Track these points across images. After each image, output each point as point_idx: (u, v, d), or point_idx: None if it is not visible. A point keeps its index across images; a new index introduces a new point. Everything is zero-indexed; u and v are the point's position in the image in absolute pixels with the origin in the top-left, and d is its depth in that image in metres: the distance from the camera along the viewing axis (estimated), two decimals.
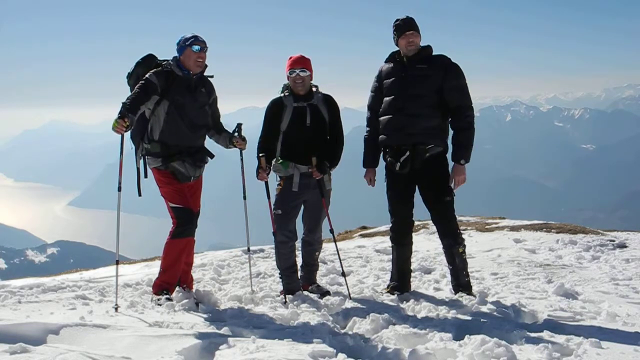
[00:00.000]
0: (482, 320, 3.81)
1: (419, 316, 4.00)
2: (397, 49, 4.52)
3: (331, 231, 4.88)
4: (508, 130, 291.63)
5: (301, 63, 4.51)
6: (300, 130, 4.55)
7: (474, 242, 7.66)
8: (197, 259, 6.09)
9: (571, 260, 6.19)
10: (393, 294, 4.63)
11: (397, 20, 4.48)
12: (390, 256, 4.92)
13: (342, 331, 3.64)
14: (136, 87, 4.23)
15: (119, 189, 4.15)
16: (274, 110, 4.62)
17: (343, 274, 4.90)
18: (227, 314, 4.04)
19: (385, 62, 4.61)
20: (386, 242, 7.47)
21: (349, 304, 4.41)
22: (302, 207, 4.72)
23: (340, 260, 5.06)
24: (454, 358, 3.03)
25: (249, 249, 4.94)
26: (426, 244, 7.36)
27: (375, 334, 3.56)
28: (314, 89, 4.63)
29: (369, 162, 4.72)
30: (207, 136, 4.63)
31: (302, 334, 3.36)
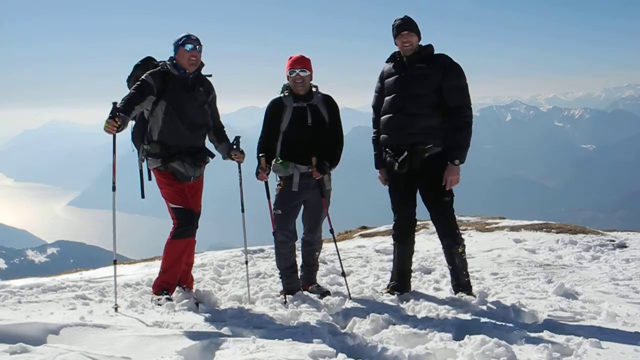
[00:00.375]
0: (482, 320, 3.82)
1: (419, 316, 4.00)
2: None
3: (331, 231, 4.88)
4: (508, 130, 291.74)
5: (301, 63, 4.51)
6: (300, 130, 4.55)
7: (474, 242, 7.66)
8: (197, 259, 6.09)
9: (571, 260, 6.19)
10: (393, 294, 4.63)
11: (395, 20, 4.49)
12: (391, 256, 4.92)
13: (342, 331, 3.63)
14: (132, 88, 4.23)
15: (113, 189, 4.15)
16: (274, 110, 4.62)
17: (343, 274, 4.90)
18: (227, 314, 4.04)
19: (387, 62, 4.61)
20: (386, 242, 7.48)
21: (349, 304, 4.41)
22: (302, 207, 4.72)
23: (340, 260, 5.05)
24: (454, 358, 3.03)
25: (247, 261, 4.94)
26: (426, 244, 7.36)
27: (375, 334, 3.57)
28: (313, 89, 4.63)
29: (379, 163, 4.72)
30: (207, 138, 4.63)
31: (302, 334, 3.36)
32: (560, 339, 3.26)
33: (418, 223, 4.79)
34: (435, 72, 4.34)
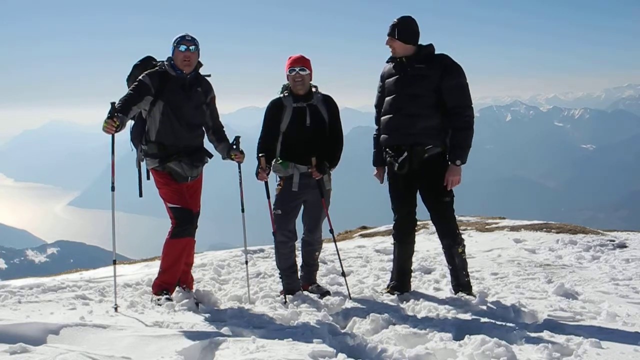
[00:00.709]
0: (482, 320, 3.82)
1: (419, 316, 4.00)
2: None
3: (331, 231, 4.88)
4: (508, 130, 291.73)
5: (301, 62, 4.51)
6: (300, 130, 4.55)
7: (474, 242, 7.65)
8: (197, 259, 6.09)
9: (571, 260, 6.19)
10: (393, 294, 4.63)
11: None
12: (391, 256, 4.92)
13: (342, 331, 3.63)
14: (129, 88, 4.24)
15: (112, 189, 4.16)
16: (274, 110, 4.62)
17: (343, 274, 4.90)
18: (227, 314, 4.04)
19: (387, 62, 4.61)
20: (386, 242, 7.48)
21: (349, 304, 4.41)
22: (302, 207, 4.72)
23: (340, 260, 5.06)
24: (454, 358, 3.03)
25: (247, 261, 4.94)
26: (426, 244, 7.36)
27: (375, 334, 3.57)
28: (313, 89, 4.64)
29: (378, 161, 4.73)
30: (207, 138, 4.63)
31: (302, 334, 3.36)
32: (560, 339, 3.26)
33: (418, 223, 4.79)
34: (434, 72, 4.32)
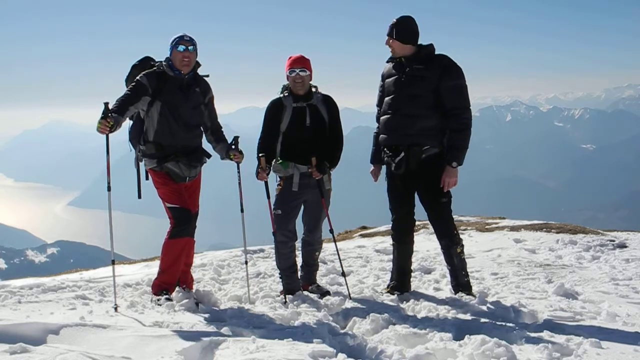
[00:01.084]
0: (482, 320, 3.82)
1: (419, 316, 4.00)
2: None
3: (331, 231, 4.88)
4: (508, 130, 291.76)
5: (301, 63, 4.51)
6: (300, 130, 4.55)
7: (474, 242, 7.65)
8: (197, 259, 6.09)
9: (571, 260, 6.19)
10: (393, 294, 4.63)
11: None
12: (391, 256, 4.92)
13: (342, 331, 3.63)
14: (127, 88, 4.24)
15: (109, 189, 4.16)
16: (274, 110, 4.62)
17: (343, 274, 4.90)
18: (227, 314, 4.04)
19: (387, 62, 4.61)
20: (386, 242, 7.48)
21: (349, 304, 4.41)
22: (302, 207, 4.72)
23: (340, 260, 5.06)
24: (454, 358, 3.03)
25: (246, 261, 4.94)
26: (426, 244, 7.36)
27: (375, 334, 3.57)
28: (313, 89, 4.64)
29: (375, 159, 4.73)
30: (205, 139, 4.63)
31: (302, 334, 3.36)
32: (560, 339, 3.26)
33: (418, 223, 4.80)
34: (433, 73, 4.31)
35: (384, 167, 4.68)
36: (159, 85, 4.27)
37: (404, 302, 4.42)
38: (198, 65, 4.44)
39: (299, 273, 4.84)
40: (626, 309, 4.07)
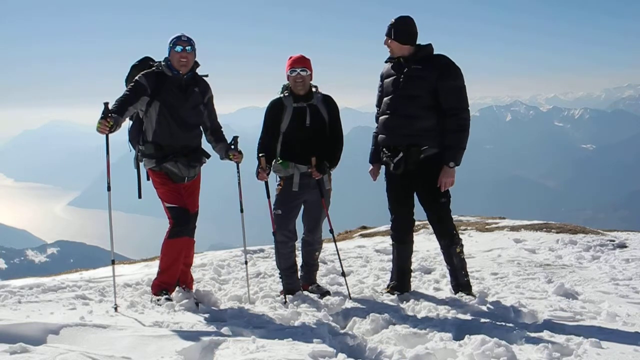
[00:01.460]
0: (482, 320, 3.82)
1: (419, 316, 4.00)
2: None
3: (331, 231, 4.88)
4: (508, 130, 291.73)
5: (302, 62, 4.51)
6: (300, 130, 4.55)
7: (474, 242, 7.66)
8: (197, 259, 6.09)
9: (571, 260, 6.19)
10: (393, 294, 4.63)
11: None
12: (390, 256, 4.92)
13: (342, 331, 3.63)
14: (126, 89, 4.24)
15: (108, 189, 4.16)
16: (274, 110, 4.62)
17: (343, 274, 4.90)
18: (227, 314, 4.04)
19: (386, 62, 4.61)
20: (386, 242, 7.48)
21: (349, 304, 4.41)
22: (302, 207, 4.72)
23: (340, 260, 5.06)
24: (454, 358, 3.03)
25: (246, 261, 4.94)
26: (426, 244, 7.36)
27: (375, 334, 3.57)
28: (313, 89, 4.63)
29: (373, 158, 4.73)
30: (205, 138, 4.62)
31: (302, 334, 3.36)
32: (560, 339, 3.26)
33: (418, 223, 4.80)
34: (431, 73, 4.31)
35: (383, 167, 4.68)
36: (158, 85, 4.27)
37: (404, 302, 4.42)
38: (197, 65, 4.44)
39: (299, 273, 4.84)
40: (626, 309, 4.07)
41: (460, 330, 3.49)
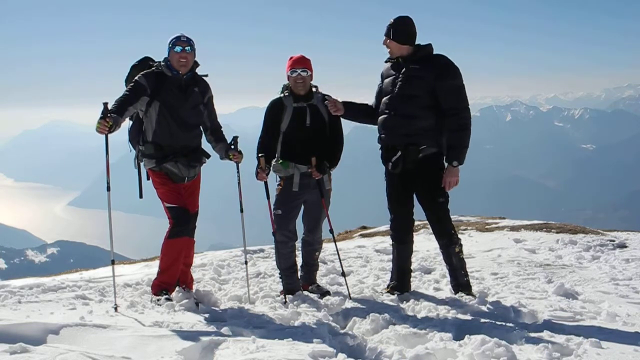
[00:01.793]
0: (482, 320, 3.82)
1: (419, 316, 4.00)
2: None
3: (331, 231, 4.88)
4: (508, 130, 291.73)
5: (302, 63, 4.51)
6: (300, 130, 4.55)
7: (474, 242, 7.65)
8: (197, 259, 6.09)
9: (571, 260, 6.19)
10: (393, 294, 4.63)
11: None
12: (390, 256, 4.92)
13: (342, 331, 3.63)
14: (126, 89, 4.24)
15: (108, 189, 4.16)
16: (274, 110, 4.62)
17: (343, 274, 4.90)
18: (227, 314, 4.04)
19: (385, 62, 4.62)
20: (386, 242, 7.48)
21: (349, 304, 4.41)
22: (302, 207, 4.72)
23: (340, 260, 5.06)
24: (454, 358, 3.03)
25: (246, 261, 4.94)
26: (426, 244, 7.35)
27: (375, 334, 3.57)
28: (313, 89, 4.64)
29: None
30: (205, 139, 4.63)
31: (302, 334, 3.36)
32: (560, 339, 3.26)
33: (418, 223, 4.80)
34: (429, 73, 4.31)
35: (375, 170, 4.69)
36: (158, 85, 4.27)
37: (404, 302, 4.42)
38: (197, 65, 4.44)
39: (299, 273, 4.84)
40: (626, 309, 4.07)
41: (460, 330, 3.49)
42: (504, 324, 3.72)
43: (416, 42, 4.45)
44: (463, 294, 4.44)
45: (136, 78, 4.26)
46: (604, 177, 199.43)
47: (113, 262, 4.30)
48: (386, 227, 8.61)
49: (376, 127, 4.63)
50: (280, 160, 4.55)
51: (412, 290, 4.78)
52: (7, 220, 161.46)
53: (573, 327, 3.59)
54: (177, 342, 3.06)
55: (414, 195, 4.57)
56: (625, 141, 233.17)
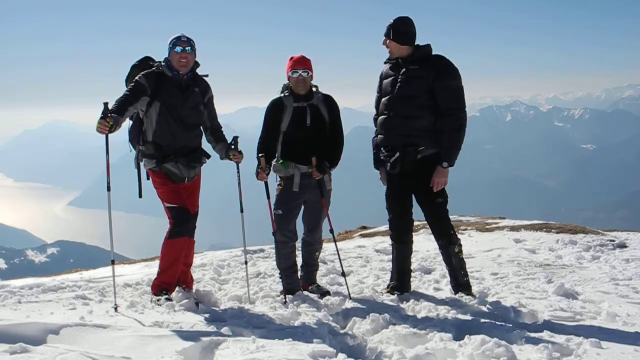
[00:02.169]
0: (482, 320, 3.82)
1: (419, 316, 4.00)
2: None
3: (331, 231, 4.88)
4: (508, 130, 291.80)
5: (303, 63, 4.51)
6: (301, 130, 4.55)
7: (474, 242, 7.66)
8: (197, 259, 6.09)
9: (571, 260, 6.19)
10: (393, 294, 4.63)
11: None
12: (390, 256, 4.92)
13: (342, 331, 3.63)
14: (126, 89, 4.24)
15: (108, 189, 4.16)
16: (274, 110, 4.62)
17: (343, 274, 4.90)
18: (227, 314, 4.04)
19: (385, 62, 4.62)
20: (386, 242, 7.48)
21: (349, 304, 4.41)
22: (302, 207, 4.72)
23: (340, 260, 5.05)
24: (454, 358, 3.03)
25: (246, 261, 4.94)
26: (426, 244, 7.35)
27: (375, 334, 3.57)
28: (314, 89, 4.63)
29: (378, 162, 4.71)
30: (205, 139, 4.62)
31: (302, 334, 3.36)
32: (560, 339, 3.26)
33: (418, 223, 4.80)
34: (428, 73, 4.31)
35: (374, 171, 4.69)
36: (158, 85, 4.27)
37: (404, 302, 4.42)
38: (197, 65, 4.44)
39: (299, 273, 4.84)
40: (626, 309, 4.07)
41: (460, 330, 3.48)
42: (504, 324, 3.72)
43: (415, 43, 4.45)
44: (463, 294, 4.44)
45: (136, 78, 4.26)
46: (604, 177, 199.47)
47: (113, 262, 4.30)
48: (386, 227, 8.62)
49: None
50: (281, 160, 4.55)
51: (412, 290, 4.78)
52: (7, 220, 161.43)
53: (573, 327, 3.59)
54: (177, 342, 3.06)
55: (413, 196, 4.57)
56: (625, 141, 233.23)
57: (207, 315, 3.90)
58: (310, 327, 3.60)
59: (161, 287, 4.33)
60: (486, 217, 10.38)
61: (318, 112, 4.59)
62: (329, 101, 4.67)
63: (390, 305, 4.34)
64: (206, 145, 4.65)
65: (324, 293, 4.71)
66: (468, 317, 3.89)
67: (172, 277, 4.37)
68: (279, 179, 4.67)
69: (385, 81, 4.54)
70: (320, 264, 5.31)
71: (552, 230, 8.10)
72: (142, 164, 4.45)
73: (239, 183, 4.71)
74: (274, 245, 4.73)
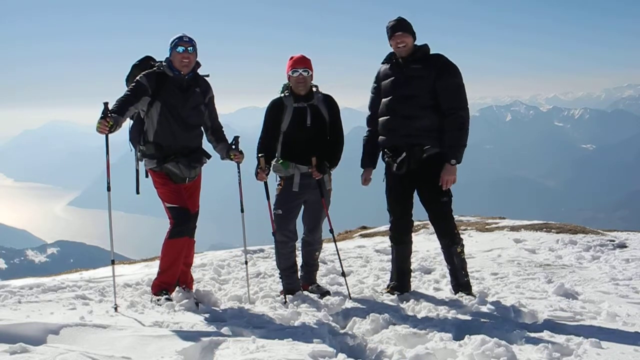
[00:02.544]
0: (482, 320, 3.82)
1: (419, 316, 4.00)
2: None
3: (331, 231, 4.88)
4: (508, 130, 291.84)
5: (303, 63, 4.51)
6: (301, 130, 4.55)
7: (474, 242, 7.65)
8: (197, 259, 6.09)
9: (571, 260, 6.19)
10: (393, 294, 4.63)
11: (389, 21, 4.48)
12: (390, 256, 4.92)
13: (342, 331, 3.63)
14: (127, 89, 4.24)
15: (108, 189, 4.16)
16: (274, 110, 4.62)
17: (343, 274, 4.90)
18: (227, 314, 4.04)
19: (382, 63, 4.61)
20: (386, 242, 7.47)
21: (349, 304, 4.41)
22: (302, 207, 4.72)
23: (340, 260, 5.06)
24: (454, 358, 3.03)
25: (246, 261, 4.94)
26: (426, 244, 7.36)
27: (375, 334, 3.57)
28: (314, 89, 4.63)
29: (365, 163, 4.74)
30: (206, 139, 4.62)
31: (302, 334, 3.36)
32: (560, 339, 3.26)
33: (418, 223, 4.81)
34: (429, 72, 4.32)
35: (378, 169, 4.69)
36: (159, 85, 4.26)
37: (404, 302, 4.42)
38: (198, 65, 4.44)
39: (299, 273, 4.84)
40: (626, 309, 4.07)
41: (460, 330, 3.48)
42: (504, 324, 3.71)
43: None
44: (463, 294, 4.44)
45: (137, 78, 4.26)
46: (604, 177, 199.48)
47: (113, 262, 4.30)
48: (386, 227, 8.62)
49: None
50: (281, 160, 4.55)
51: (412, 290, 4.78)
52: (7, 220, 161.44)
53: (573, 327, 3.59)
54: (177, 342, 3.06)
55: (416, 196, 4.57)
56: (625, 141, 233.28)
57: (207, 315, 3.89)
58: (310, 327, 3.60)
59: (161, 287, 4.33)
60: (486, 217, 10.38)
61: (318, 112, 4.59)
62: (329, 101, 4.67)
63: (390, 305, 4.34)
64: (207, 146, 4.65)
65: (324, 293, 4.71)
66: (468, 317, 3.89)
67: (172, 277, 4.37)
68: (278, 179, 4.67)
69: (384, 82, 4.53)
70: (320, 264, 5.31)
71: (552, 230, 8.10)
72: (141, 163, 4.45)
73: (240, 183, 4.71)
74: (274, 246, 4.73)
